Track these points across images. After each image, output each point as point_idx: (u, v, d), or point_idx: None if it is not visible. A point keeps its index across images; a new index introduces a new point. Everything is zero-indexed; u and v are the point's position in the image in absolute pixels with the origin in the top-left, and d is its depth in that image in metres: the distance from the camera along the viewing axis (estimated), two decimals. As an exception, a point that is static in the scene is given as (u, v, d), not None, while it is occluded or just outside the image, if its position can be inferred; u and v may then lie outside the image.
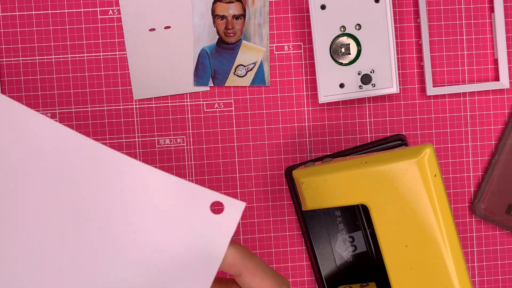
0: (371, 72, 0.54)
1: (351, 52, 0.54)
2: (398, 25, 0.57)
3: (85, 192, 0.36)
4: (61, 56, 0.56)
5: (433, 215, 0.46)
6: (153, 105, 0.56)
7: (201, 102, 0.56)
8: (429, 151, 0.46)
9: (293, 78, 0.57)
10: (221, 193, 0.56)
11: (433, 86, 0.56)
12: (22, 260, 0.36)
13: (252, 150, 0.57)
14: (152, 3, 0.56)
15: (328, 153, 0.56)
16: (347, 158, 0.49)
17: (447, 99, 0.57)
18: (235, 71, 0.56)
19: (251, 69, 0.56)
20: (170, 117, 0.56)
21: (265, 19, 0.56)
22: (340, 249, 0.55)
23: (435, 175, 0.46)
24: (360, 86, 0.54)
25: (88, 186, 0.36)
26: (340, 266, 0.55)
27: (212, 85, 0.56)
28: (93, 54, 0.56)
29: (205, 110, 0.56)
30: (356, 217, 0.55)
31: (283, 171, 0.57)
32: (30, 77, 0.55)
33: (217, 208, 0.37)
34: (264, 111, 0.57)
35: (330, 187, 0.47)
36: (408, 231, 0.47)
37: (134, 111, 0.56)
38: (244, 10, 0.56)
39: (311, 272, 0.57)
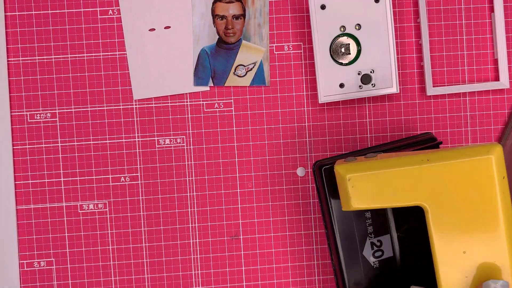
0: (371, 72, 0.54)
1: (351, 52, 0.54)
2: (398, 25, 0.57)
3: None
4: (61, 56, 0.56)
5: (498, 220, 0.42)
6: (153, 105, 0.56)
7: (201, 102, 0.56)
8: (498, 151, 0.42)
9: (293, 78, 0.57)
10: (221, 193, 0.57)
11: (433, 86, 0.56)
12: None
13: (252, 150, 0.57)
14: (152, 3, 0.56)
15: (371, 146, 0.54)
16: (402, 154, 0.45)
17: (447, 99, 0.57)
18: (235, 71, 0.56)
19: (251, 69, 0.56)
20: (170, 117, 0.56)
21: (265, 19, 0.56)
22: (368, 254, 0.51)
23: (503, 177, 0.42)
24: (360, 86, 0.54)
25: None
26: (366, 272, 0.52)
27: (212, 85, 0.56)
28: (93, 54, 0.56)
29: (205, 110, 0.56)
30: (386, 219, 0.52)
31: (283, 171, 0.57)
32: (30, 77, 0.55)
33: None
34: (264, 111, 0.57)
35: (383, 184, 0.43)
36: (468, 236, 0.43)
37: (134, 111, 0.56)
38: (244, 10, 0.56)
39: (311, 272, 0.57)
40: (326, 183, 0.50)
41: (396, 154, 0.46)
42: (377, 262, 0.52)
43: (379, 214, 0.52)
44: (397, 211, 0.51)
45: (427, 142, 0.52)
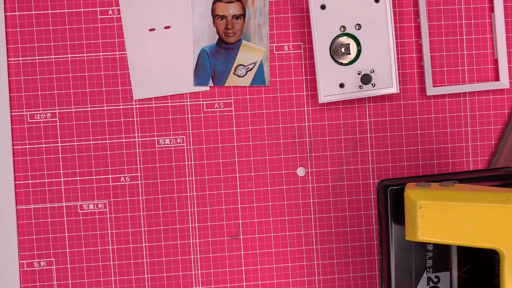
0: (371, 72, 0.54)
1: (351, 52, 0.54)
2: (398, 25, 0.57)
3: None
4: (61, 56, 0.56)
5: None
6: (153, 105, 0.56)
7: (201, 102, 0.56)
8: None
9: (293, 78, 0.57)
10: (221, 193, 0.57)
11: (433, 86, 0.56)
12: None
13: (252, 150, 0.57)
14: (152, 3, 0.56)
15: (445, 173, 0.50)
16: (484, 188, 0.41)
17: (447, 99, 0.57)
18: (235, 71, 0.56)
19: (251, 69, 0.56)
20: (170, 117, 0.56)
21: (265, 19, 0.56)
22: None
23: None
24: (360, 86, 0.54)
25: None
26: None
27: (212, 85, 0.56)
28: (93, 54, 0.56)
29: (205, 110, 0.56)
30: (448, 255, 0.47)
31: (283, 171, 0.57)
32: (30, 77, 0.55)
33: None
34: (264, 111, 0.57)
35: (458, 219, 0.39)
36: None
37: (134, 111, 0.56)
38: (244, 10, 0.56)
39: (311, 272, 0.57)
40: (390, 205, 0.45)
41: (476, 187, 0.42)
42: None
43: (442, 248, 0.47)
44: (463, 248, 0.46)
45: (509, 178, 0.47)
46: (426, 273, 0.47)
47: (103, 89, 0.56)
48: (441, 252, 0.47)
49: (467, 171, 0.49)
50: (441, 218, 0.39)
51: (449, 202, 0.39)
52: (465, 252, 0.46)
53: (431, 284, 0.47)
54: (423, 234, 0.39)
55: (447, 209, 0.39)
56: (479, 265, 0.46)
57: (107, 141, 0.56)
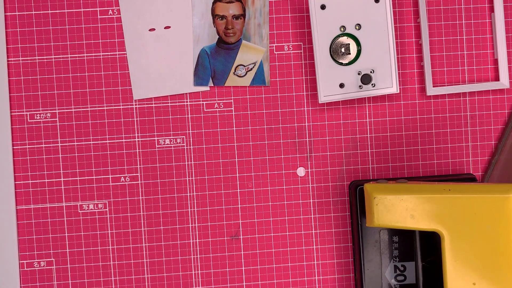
0: (371, 72, 0.54)
1: (351, 52, 0.54)
2: (398, 25, 0.57)
3: None
4: (61, 56, 0.56)
5: (510, 257, 0.45)
6: (153, 105, 0.56)
7: (201, 102, 0.56)
8: None
9: (293, 78, 0.57)
10: (221, 193, 0.57)
11: (433, 86, 0.56)
12: None
13: (252, 150, 0.57)
14: (152, 3, 0.56)
15: (406, 177, 0.57)
16: (426, 183, 0.48)
17: (447, 99, 0.57)
18: (235, 71, 0.56)
19: (251, 69, 0.56)
20: (170, 117, 0.56)
21: (265, 19, 0.56)
22: (390, 276, 0.54)
23: None
24: (360, 86, 0.54)
25: None
26: None
27: (212, 85, 0.56)
28: (93, 54, 0.56)
29: (205, 110, 0.56)
30: (413, 247, 0.54)
31: (283, 171, 0.57)
32: (30, 77, 0.55)
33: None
34: (264, 111, 0.57)
35: (405, 207, 0.46)
36: (480, 268, 0.45)
37: (134, 111, 0.56)
38: (244, 10, 0.56)
39: (311, 272, 0.57)
40: (359, 202, 0.54)
41: (425, 183, 0.48)
42: (398, 286, 0.54)
43: (406, 241, 0.54)
44: (425, 241, 0.53)
45: (464, 181, 0.54)
46: (393, 262, 0.54)
47: (103, 89, 0.56)
48: (406, 244, 0.54)
49: (432, 176, 0.56)
50: (391, 207, 0.47)
51: (397, 194, 0.47)
52: (428, 245, 0.53)
53: (398, 272, 0.54)
54: (378, 220, 0.47)
55: (395, 199, 0.46)
56: (440, 257, 0.52)
57: (107, 141, 0.56)
